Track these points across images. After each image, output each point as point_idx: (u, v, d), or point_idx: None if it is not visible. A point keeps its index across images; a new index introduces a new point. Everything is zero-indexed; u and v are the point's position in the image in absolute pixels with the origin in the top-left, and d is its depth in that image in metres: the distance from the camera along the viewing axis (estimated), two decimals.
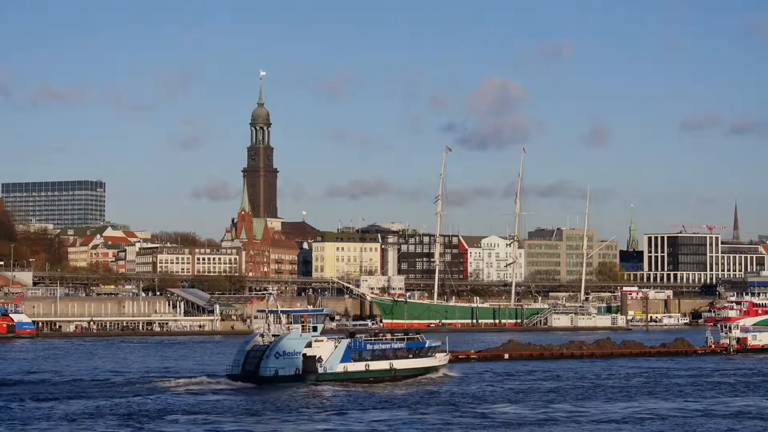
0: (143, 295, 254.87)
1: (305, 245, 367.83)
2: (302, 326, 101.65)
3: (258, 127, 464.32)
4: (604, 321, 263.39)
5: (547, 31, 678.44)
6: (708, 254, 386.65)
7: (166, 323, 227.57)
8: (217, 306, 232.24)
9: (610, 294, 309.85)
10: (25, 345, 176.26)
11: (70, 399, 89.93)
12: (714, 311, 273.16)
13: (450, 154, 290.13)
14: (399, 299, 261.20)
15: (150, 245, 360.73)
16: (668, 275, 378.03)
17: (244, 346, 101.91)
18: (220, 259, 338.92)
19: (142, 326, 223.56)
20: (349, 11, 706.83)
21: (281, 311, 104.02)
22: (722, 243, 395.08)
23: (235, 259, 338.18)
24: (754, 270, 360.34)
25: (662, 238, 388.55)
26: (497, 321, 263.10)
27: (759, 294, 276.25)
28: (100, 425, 75.66)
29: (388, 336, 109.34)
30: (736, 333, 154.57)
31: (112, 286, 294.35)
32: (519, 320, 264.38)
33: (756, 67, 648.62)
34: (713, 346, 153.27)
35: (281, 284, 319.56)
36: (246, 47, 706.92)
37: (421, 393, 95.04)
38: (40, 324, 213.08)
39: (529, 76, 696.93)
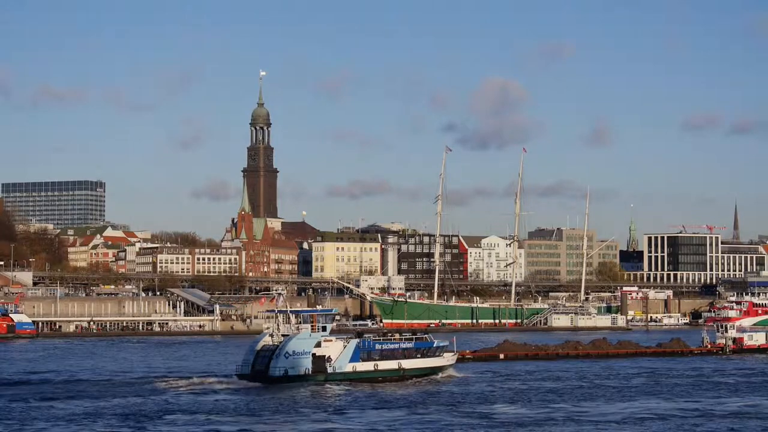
0: (143, 295, 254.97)
1: (305, 245, 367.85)
2: (311, 326, 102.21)
3: (258, 127, 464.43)
4: (604, 321, 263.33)
5: (547, 31, 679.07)
6: (708, 254, 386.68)
7: (166, 323, 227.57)
8: (217, 306, 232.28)
9: (610, 294, 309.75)
10: (25, 345, 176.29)
11: (75, 399, 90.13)
12: (714, 311, 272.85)
13: (450, 154, 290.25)
14: (399, 299, 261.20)
15: (150, 245, 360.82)
16: (668, 275, 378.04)
17: (253, 345, 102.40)
18: (220, 259, 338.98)
19: (142, 326, 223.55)
20: (349, 11, 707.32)
21: (291, 311, 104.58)
22: (722, 243, 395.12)
23: (235, 259, 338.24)
24: (754, 270, 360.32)
25: (662, 238, 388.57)
26: (497, 321, 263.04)
27: (759, 294, 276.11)
28: (105, 425, 75.94)
29: (397, 336, 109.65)
30: (732, 333, 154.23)
31: (112, 286, 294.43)
32: (519, 320, 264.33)
33: (756, 67, 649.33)
34: (709, 346, 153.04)
35: (281, 284, 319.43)
36: (246, 47, 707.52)
37: (420, 393, 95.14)
38: (40, 324, 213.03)
39: (530, 76, 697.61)
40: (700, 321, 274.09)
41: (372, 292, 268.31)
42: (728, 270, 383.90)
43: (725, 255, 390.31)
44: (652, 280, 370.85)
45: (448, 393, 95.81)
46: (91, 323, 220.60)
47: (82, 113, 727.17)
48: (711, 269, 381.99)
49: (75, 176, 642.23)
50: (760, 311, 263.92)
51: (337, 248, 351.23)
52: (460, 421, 78.37)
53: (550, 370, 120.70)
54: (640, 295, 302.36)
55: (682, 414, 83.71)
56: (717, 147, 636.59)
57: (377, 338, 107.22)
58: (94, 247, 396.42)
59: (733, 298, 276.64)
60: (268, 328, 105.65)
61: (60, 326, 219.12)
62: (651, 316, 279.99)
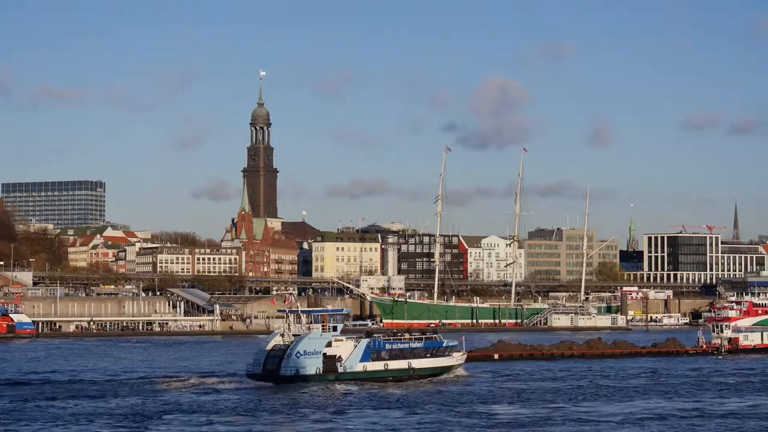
0: (143, 295, 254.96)
1: (305, 245, 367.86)
2: (322, 326, 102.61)
3: (258, 127, 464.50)
4: (604, 321, 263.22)
5: (548, 31, 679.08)
6: (708, 254, 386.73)
7: (166, 323, 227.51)
8: (217, 306, 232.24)
9: (610, 294, 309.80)
10: (25, 345, 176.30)
11: (82, 399, 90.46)
12: (714, 311, 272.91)
13: (450, 154, 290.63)
14: (399, 299, 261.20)
15: (150, 245, 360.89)
16: (668, 275, 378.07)
17: (264, 345, 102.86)
18: (220, 259, 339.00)
19: (142, 326, 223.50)
20: (349, 11, 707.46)
21: (301, 311, 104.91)
22: (722, 243, 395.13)
23: (235, 259, 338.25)
24: (754, 270, 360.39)
25: (662, 238, 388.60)
26: (497, 321, 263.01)
27: (759, 294, 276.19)
28: (113, 424, 76.32)
29: (407, 335, 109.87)
30: (728, 333, 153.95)
31: (112, 286, 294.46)
32: (519, 320, 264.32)
33: (756, 67, 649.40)
34: (705, 346, 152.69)
35: (281, 284, 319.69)
36: (246, 47, 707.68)
37: (419, 393, 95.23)
38: (40, 324, 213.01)
39: (530, 76, 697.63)
40: (700, 321, 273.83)
41: (372, 292, 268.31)
42: (728, 270, 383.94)
43: (725, 255, 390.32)
44: (652, 280, 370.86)
45: (446, 393, 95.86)
46: (91, 323, 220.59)
47: (82, 113, 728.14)
48: (711, 269, 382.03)
49: (75, 176, 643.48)
50: (760, 311, 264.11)
51: (337, 248, 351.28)
52: (460, 422, 78.42)
53: (544, 370, 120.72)
54: (640, 295, 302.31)
55: (671, 414, 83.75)
56: (717, 147, 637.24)
57: (387, 338, 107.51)
58: (94, 247, 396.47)
59: (733, 298, 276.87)
60: (278, 327, 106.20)
61: (60, 326, 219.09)
62: (651, 316, 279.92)
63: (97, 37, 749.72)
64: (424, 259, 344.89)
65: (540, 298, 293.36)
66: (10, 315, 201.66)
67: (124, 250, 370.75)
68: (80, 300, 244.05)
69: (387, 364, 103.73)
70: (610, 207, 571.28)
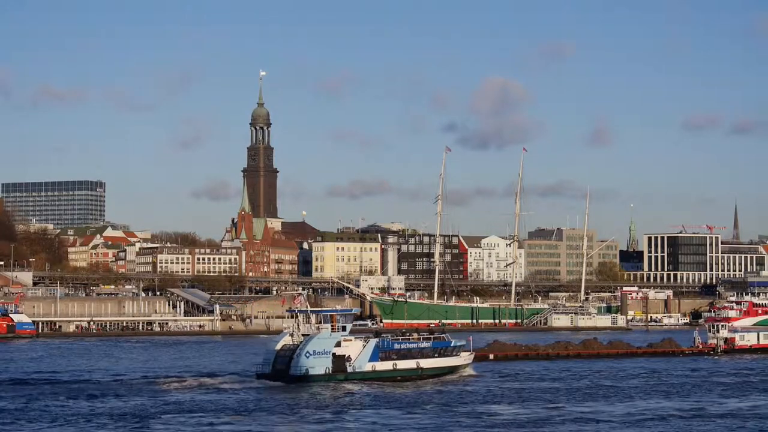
0: (143, 295, 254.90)
1: (305, 245, 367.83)
2: (331, 326, 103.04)
3: (258, 127, 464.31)
4: (604, 321, 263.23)
5: (547, 31, 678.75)
6: (708, 254, 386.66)
7: (166, 323, 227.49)
8: (217, 306, 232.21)
9: (610, 294, 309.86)
10: (25, 345, 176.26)
11: (86, 399, 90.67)
12: (714, 311, 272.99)
13: (450, 154, 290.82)
14: (399, 299, 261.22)
15: (150, 245, 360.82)
16: (668, 275, 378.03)
17: (273, 345, 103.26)
18: (220, 259, 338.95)
19: (142, 326, 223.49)
20: (349, 11, 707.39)
21: (311, 311, 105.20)
22: (722, 243, 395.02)
23: (235, 259, 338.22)
24: (754, 270, 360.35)
25: (662, 238, 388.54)
26: (497, 321, 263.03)
27: (759, 294, 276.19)
28: (121, 423, 76.77)
29: (415, 335, 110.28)
30: (724, 333, 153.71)
31: (112, 286, 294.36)
32: (519, 320, 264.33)
33: (756, 67, 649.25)
34: (701, 346, 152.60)
35: (281, 284, 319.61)
36: (246, 47, 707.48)
37: (418, 393, 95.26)
38: (40, 324, 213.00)
39: (530, 76, 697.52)
40: (700, 321, 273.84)
41: (372, 292, 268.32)
42: (728, 270, 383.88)
43: (725, 255, 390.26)
44: (652, 280, 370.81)
45: (443, 393, 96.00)
46: (91, 323, 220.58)
47: (82, 113, 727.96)
48: (711, 269, 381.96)
49: (75, 176, 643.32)
50: (760, 311, 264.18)
51: (337, 248, 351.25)
52: (458, 422, 78.48)
53: (539, 371, 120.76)
54: (640, 295, 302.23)
55: (666, 414, 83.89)
56: (717, 147, 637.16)
57: (396, 338, 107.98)
58: (94, 247, 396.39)
59: (733, 298, 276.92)
60: (287, 327, 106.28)
61: (60, 326, 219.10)
62: (651, 316, 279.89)
63: (97, 37, 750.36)
64: (424, 259, 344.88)
65: (540, 298, 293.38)
66: (10, 315, 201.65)
67: (124, 250, 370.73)
68: (80, 300, 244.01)
69: (396, 364, 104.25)
70: (610, 207, 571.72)
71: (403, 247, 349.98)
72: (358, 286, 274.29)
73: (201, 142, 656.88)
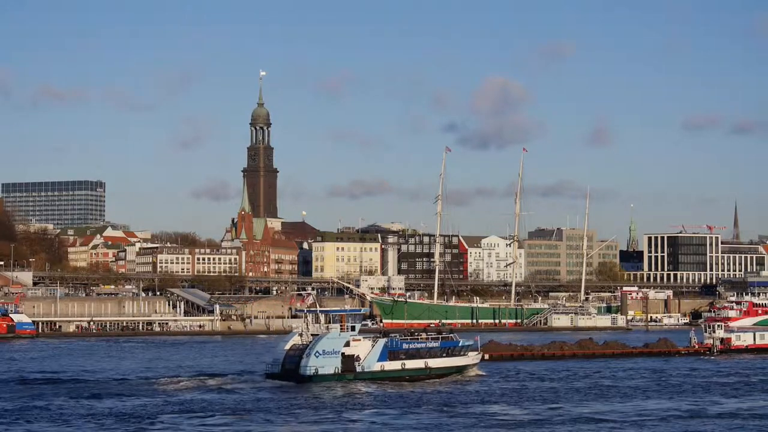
0: (143, 295, 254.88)
1: (305, 245, 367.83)
2: (340, 326, 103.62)
3: (258, 127, 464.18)
4: (604, 321, 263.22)
5: (547, 31, 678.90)
6: (708, 254, 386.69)
7: (166, 323, 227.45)
8: (217, 306, 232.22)
9: (610, 294, 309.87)
10: (25, 345, 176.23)
11: (92, 399, 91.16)
12: (714, 311, 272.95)
13: (450, 154, 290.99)
14: (399, 299, 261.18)
15: (150, 245, 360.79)
16: (668, 275, 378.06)
17: (283, 345, 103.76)
18: (220, 259, 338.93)
19: (142, 326, 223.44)
20: (349, 11, 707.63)
21: (320, 311, 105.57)
22: (722, 243, 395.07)
23: (235, 259, 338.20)
24: (754, 270, 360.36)
25: (662, 238, 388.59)
26: (497, 321, 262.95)
27: (759, 294, 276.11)
28: (131, 423, 77.25)
29: (423, 335, 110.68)
30: (720, 333, 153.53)
31: (112, 286, 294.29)
32: (519, 320, 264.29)
33: (756, 67, 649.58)
34: (697, 346, 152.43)
35: (281, 284, 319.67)
36: (246, 47, 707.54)
37: (418, 393, 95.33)
38: (40, 324, 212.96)
39: (530, 76, 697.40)
40: (700, 321, 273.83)
41: (372, 292, 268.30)
42: (728, 270, 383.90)
43: (725, 255, 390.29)
44: (652, 280, 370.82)
45: (441, 393, 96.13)
46: (91, 323, 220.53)
47: (82, 113, 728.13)
48: (711, 269, 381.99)
49: (75, 176, 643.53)
50: (760, 311, 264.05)
51: (337, 248, 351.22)
52: (456, 422, 78.56)
53: (533, 371, 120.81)
54: (640, 295, 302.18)
55: (662, 414, 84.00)
56: (717, 147, 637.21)
57: (404, 337, 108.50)
58: (94, 247, 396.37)
59: (733, 298, 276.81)
60: (297, 327, 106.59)
61: (60, 326, 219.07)
62: (651, 316, 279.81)
63: (97, 37, 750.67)
64: (424, 259, 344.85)
65: (540, 298, 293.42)
66: (10, 315, 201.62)
67: (124, 250, 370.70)
68: (80, 300, 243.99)
69: (404, 364, 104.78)
70: (610, 207, 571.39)
71: (403, 247, 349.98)
72: (358, 286, 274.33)
73: (201, 142, 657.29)
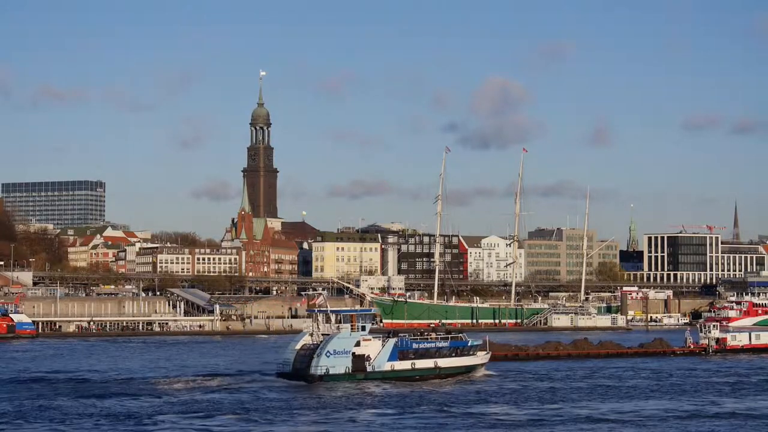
0: (143, 295, 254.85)
1: (305, 245, 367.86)
2: (351, 326, 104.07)
3: (258, 127, 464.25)
4: (604, 321, 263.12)
5: (548, 31, 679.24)
6: (708, 254, 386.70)
7: (166, 323, 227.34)
8: (217, 306, 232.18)
9: (610, 294, 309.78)
10: (25, 345, 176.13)
11: (100, 398, 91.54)
12: (714, 311, 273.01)
13: (450, 154, 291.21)
14: (399, 299, 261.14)
15: (150, 245, 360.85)
16: (668, 275, 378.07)
17: (294, 344, 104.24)
18: (220, 259, 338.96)
19: (142, 326, 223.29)
20: (349, 11, 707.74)
21: (331, 310, 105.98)
22: (722, 243, 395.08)
23: (235, 259, 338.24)
24: (754, 270, 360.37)
25: (662, 238, 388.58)
26: (497, 321, 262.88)
27: (759, 294, 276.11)
28: (134, 422, 77.71)
29: (433, 335, 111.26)
30: (715, 333, 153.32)
31: (112, 286, 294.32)
32: (519, 320, 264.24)
33: (757, 67, 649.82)
34: (692, 346, 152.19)
35: (281, 284, 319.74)
36: (246, 47, 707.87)
37: (418, 393, 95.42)
38: (40, 324, 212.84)
39: (530, 76, 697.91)
40: (700, 321, 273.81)
41: (372, 292, 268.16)
42: (728, 270, 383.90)
43: (725, 255, 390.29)
44: (652, 280, 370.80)
45: (439, 393, 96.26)
46: (91, 323, 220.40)
47: (82, 113, 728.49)
48: (711, 269, 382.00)
49: (75, 176, 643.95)
50: (760, 311, 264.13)
51: (337, 248, 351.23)
52: (454, 422, 78.63)
53: (528, 371, 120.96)
54: (640, 295, 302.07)
55: (656, 414, 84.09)
56: (717, 147, 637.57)
57: (414, 337, 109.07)
58: (94, 247, 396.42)
59: (733, 298, 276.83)
60: (307, 327, 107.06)
61: (60, 326, 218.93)
62: (651, 316, 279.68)
63: (97, 37, 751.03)
64: (424, 259, 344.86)
65: (540, 298, 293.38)
66: (10, 315, 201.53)
67: (124, 250, 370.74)
68: (80, 300, 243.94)
69: (414, 364, 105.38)
70: (610, 207, 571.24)
71: (403, 247, 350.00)
72: (358, 286, 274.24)
73: (201, 142, 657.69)
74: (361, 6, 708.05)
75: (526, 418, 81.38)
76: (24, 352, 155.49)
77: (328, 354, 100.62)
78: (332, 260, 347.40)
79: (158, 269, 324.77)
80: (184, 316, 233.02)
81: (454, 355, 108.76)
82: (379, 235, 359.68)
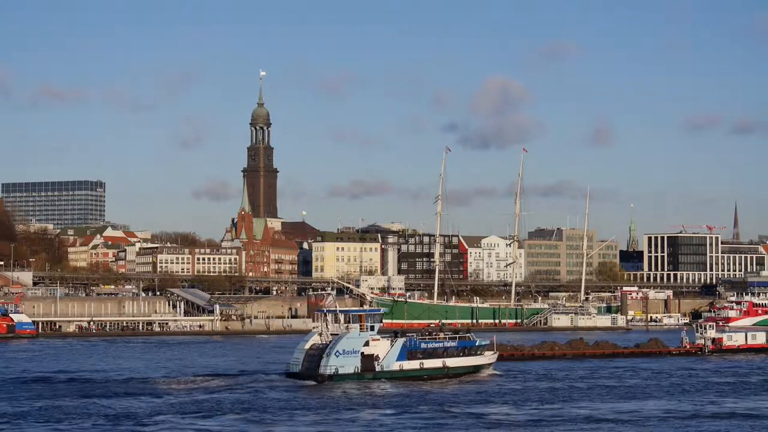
0: (143, 295, 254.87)
1: (305, 245, 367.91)
2: (360, 325, 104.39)
3: (258, 127, 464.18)
4: (604, 321, 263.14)
5: (548, 31, 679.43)
6: (708, 254, 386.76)
7: (166, 323, 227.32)
8: (217, 306, 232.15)
9: (610, 294, 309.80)
10: (25, 345, 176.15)
11: (107, 397, 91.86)
12: (714, 311, 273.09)
13: (450, 154, 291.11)
14: (399, 299, 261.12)
15: (150, 245, 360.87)
16: (668, 275, 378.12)
17: (302, 344, 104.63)
18: (220, 259, 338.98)
19: (142, 326, 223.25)
20: (349, 11, 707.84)
21: (340, 311, 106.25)
22: (722, 243, 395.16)
23: (235, 259, 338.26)
24: (754, 270, 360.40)
25: (662, 238, 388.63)
26: (497, 321, 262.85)
27: (759, 294, 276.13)
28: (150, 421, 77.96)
29: (441, 335, 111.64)
30: (711, 333, 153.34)
31: (112, 286, 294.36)
32: (519, 320, 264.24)
33: (757, 67, 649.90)
34: (688, 346, 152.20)
35: (281, 284, 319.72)
36: (246, 47, 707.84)
37: (418, 393, 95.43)
38: (40, 324, 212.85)
39: (530, 76, 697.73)
40: (699, 321, 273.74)
41: (372, 292, 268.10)
42: (728, 270, 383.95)
43: (725, 255, 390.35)
44: (652, 280, 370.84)
45: (438, 393, 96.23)
46: (91, 323, 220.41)
47: (82, 113, 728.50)
48: (711, 269, 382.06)
49: (75, 176, 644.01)
50: (760, 311, 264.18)
51: (337, 248, 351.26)
52: (454, 422, 78.63)
53: (523, 371, 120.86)
54: (640, 295, 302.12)
55: (653, 414, 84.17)
56: (717, 147, 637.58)
57: (422, 337, 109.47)
58: (94, 247, 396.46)
59: (733, 298, 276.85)
60: (316, 327, 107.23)
61: (60, 326, 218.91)
62: (651, 316, 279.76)
63: (97, 37, 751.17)
64: (424, 259, 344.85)
65: (540, 298, 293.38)
66: (10, 315, 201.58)
67: (124, 250, 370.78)
68: (80, 300, 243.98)
69: (422, 363, 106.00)
70: (610, 207, 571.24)
71: (403, 247, 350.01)
72: (358, 286, 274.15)
73: (201, 142, 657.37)
74: (361, 6, 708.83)
75: (524, 418, 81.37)
76: (24, 352, 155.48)
77: (337, 354, 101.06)
78: (332, 260, 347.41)
79: (158, 269, 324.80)
80: (184, 316, 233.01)
81: (462, 354, 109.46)
82: (379, 235, 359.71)
